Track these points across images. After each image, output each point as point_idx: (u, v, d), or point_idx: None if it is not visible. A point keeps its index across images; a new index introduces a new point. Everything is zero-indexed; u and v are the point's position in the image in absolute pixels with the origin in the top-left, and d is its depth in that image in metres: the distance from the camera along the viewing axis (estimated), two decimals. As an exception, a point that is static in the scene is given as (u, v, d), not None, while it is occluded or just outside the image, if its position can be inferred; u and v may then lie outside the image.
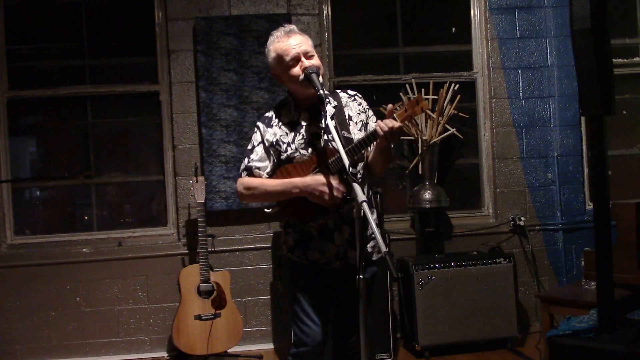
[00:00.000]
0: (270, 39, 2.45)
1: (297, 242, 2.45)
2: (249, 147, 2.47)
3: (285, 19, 4.38)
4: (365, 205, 1.98)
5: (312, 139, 2.38)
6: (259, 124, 2.48)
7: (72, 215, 4.66)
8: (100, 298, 4.35)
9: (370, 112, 2.55)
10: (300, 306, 2.49)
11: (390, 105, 2.25)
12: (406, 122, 4.31)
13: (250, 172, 2.43)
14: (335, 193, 2.24)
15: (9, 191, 4.44)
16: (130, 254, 4.38)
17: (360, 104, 2.51)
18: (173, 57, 4.43)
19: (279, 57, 2.40)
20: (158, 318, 4.38)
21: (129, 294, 4.37)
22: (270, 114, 2.50)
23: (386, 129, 2.20)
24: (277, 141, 2.41)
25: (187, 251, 4.36)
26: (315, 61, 2.37)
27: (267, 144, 2.42)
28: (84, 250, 4.37)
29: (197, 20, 4.35)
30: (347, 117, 2.42)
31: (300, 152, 2.37)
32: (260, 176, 2.42)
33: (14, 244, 4.41)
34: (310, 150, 2.37)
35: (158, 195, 4.61)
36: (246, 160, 2.46)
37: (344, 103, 2.47)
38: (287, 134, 2.40)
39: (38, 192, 4.64)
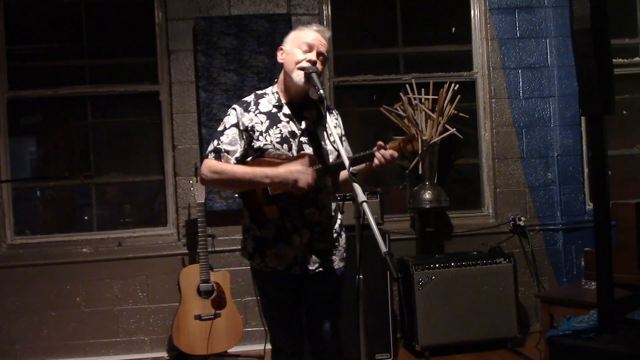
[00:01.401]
0: (301, 26, 2.44)
1: (255, 248, 2.42)
2: (220, 128, 2.38)
3: (285, 19, 4.38)
4: (365, 205, 1.97)
5: (289, 137, 2.34)
6: (236, 106, 2.40)
7: (72, 215, 4.66)
8: (100, 298, 4.35)
9: (343, 132, 2.52)
10: (271, 314, 2.47)
11: (379, 142, 2.23)
12: (406, 122, 4.31)
13: (218, 154, 2.33)
14: (306, 180, 2.18)
15: (9, 191, 4.45)
16: (130, 254, 4.38)
17: (337, 119, 2.50)
18: (173, 57, 4.43)
19: (296, 36, 2.38)
20: (158, 318, 4.38)
21: (129, 294, 4.37)
22: (249, 99, 2.44)
23: (383, 160, 2.20)
24: (251, 127, 2.34)
25: (187, 251, 4.36)
26: (321, 66, 2.35)
27: (241, 128, 2.34)
28: (84, 250, 4.37)
29: (197, 20, 4.35)
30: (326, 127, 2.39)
31: (275, 146, 2.31)
32: (228, 161, 2.33)
33: (14, 244, 4.41)
34: (285, 146, 2.32)
35: (158, 195, 4.61)
36: (215, 141, 2.35)
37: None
38: (262, 122, 2.35)
39: (38, 192, 4.64)
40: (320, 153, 2.34)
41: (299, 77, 2.31)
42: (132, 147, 4.71)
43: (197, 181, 4.06)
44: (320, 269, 2.41)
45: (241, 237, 2.34)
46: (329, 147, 2.37)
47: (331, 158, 2.37)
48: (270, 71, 4.33)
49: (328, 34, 2.41)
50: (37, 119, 4.70)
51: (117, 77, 4.56)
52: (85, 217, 4.61)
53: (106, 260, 4.35)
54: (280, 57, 2.42)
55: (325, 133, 2.36)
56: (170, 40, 4.43)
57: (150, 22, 4.51)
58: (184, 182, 4.40)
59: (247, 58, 4.35)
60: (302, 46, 2.34)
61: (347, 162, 2.11)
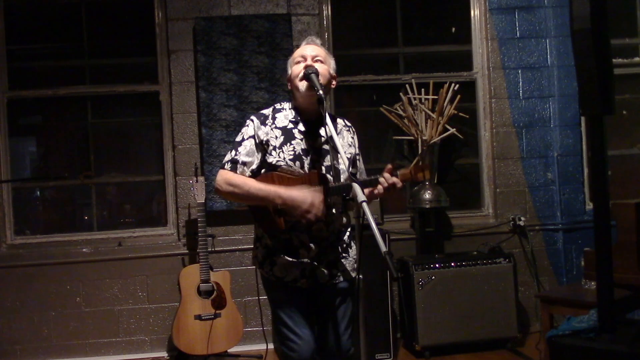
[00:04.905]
0: None
1: (265, 257, 2.41)
2: (238, 138, 2.39)
3: (285, 19, 4.38)
4: (365, 205, 1.97)
5: (302, 154, 2.33)
6: (254, 118, 2.42)
7: (72, 215, 4.66)
8: (100, 298, 4.35)
9: (359, 151, 2.52)
10: (281, 322, 2.44)
11: (389, 165, 2.23)
12: (406, 122, 4.31)
13: (234, 165, 2.34)
14: (316, 212, 2.17)
15: (9, 191, 4.44)
16: (130, 254, 4.38)
17: (353, 137, 2.49)
18: (173, 57, 4.43)
19: (291, 60, 2.43)
20: (158, 318, 4.38)
21: (129, 294, 4.37)
22: (267, 112, 2.44)
23: (386, 184, 2.21)
24: (267, 141, 2.34)
25: (187, 251, 4.36)
26: (320, 67, 2.34)
27: (257, 140, 2.36)
28: (84, 250, 4.37)
29: (197, 20, 4.35)
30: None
31: (287, 163, 2.31)
32: (243, 173, 2.33)
33: (14, 244, 4.41)
34: (297, 164, 2.31)
35: (158, 195, 4.61)
36: (233, 152, 2.36)
37: (338, 130, 2.43)
38: (276, 137, 2.35)
39: (38, 192, 4.64)
40: (331, 171, 2.32)
41: (303, 85, 2.31)
42: (132, 147, 4.71)
43: (197, 181, 4.07)
44: (330, 281, 2.39)
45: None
46: (341, 167, 2.34)
47: (343, 177, 2.34)
48: (271, 71, 4.33)
49: (318, 40, 2.47)
50: (37, 119, 4.70)
51: (117, 77, 4.57)
52: (85, 217, 4.61)
53: (106, 260, 4.35)
54: (289, 85, 2.45)
55: (338, 152, 2.26)
56: (170, 40, 4.43)
57: (150, 22, 4.51)
58: (184, 182, 4.40)
59: (247, 58, 4.35)
60: (297, 60, 2.39)
61: (346, 163, 2.11)
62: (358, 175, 2.47)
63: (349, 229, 2.48)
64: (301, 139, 2.35)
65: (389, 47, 4.80)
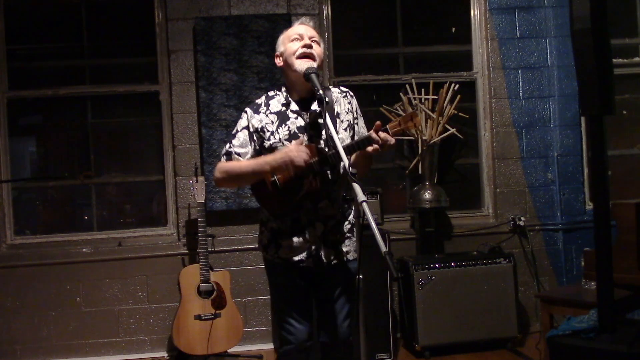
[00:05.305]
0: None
1: (270, 240, 2.45)
2: (233, 131, 2.47)
3: (285, 19, 4.38)
4: (365, 205, 1.97)
5: (297, 132, 2.37)
6: (247, 109, 2.48)
7: (72, 215, 4.66)
8: (100, 298, 4.35)
9: (359, 114, 2.52)
10: (280, 305, 2.51)
11: (378, 122, 2.21)
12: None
13: (229, 157, 2.42)
14: (302, 157, 2.20)
15: (9, 191, 4.44)
16: (130, 254, 4.38)
17: (350, 103, 2.49)
18: (173, 57, 4.43)
19: (285, 37, 2.46)
20: (158, 318, 4.38)
21: (129, 294, 4.37)
22: (260, 100, 2.49)
23: (381, 142, 2.18)
24: (262, 128, 2.40)
25: (187, 251, 4.36)
26: (317, 49, 2.38)
27: (251, 130, 2.41)
28: (84, 250, 4.37)
29: (197, 20, 4.35)
30: (335, 114, 2.41)
31: (283, 143, 2.36)
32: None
33: (14, 244, 4.41)
34: (293, 142, 2.34)
35: (158, 195, 4.61)
36: (227, 145, 2.45)
37: (334, 99, 2.45)
38: (272, 122, 2.40)
39: (38, 192, 4.64)
40: (329, 144, 2.33)
41: (300, 65, 2.33)
42: (132, 147, 4.71)
43: (197, 181, 4.07)
44: (335, 261, 2.41)
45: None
46: (340, 135, 2.36)
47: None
48: (271, 71, 4.33)
49: (311, 22, 2.50)
50: (37, 119, 4.70)
51: (117, 77, 4.57)
52: (85, 217, 4.61)
53: (106, 260, 4.35)
54: (279, 61, 2.48)
55: (336, 119, 2.39)
56: (170, 40, 4.43)
57: (150, 22, 4.51)
58: (184, 182, 4.40)
59: (247, 58, 4.35)
60: (293, 37, 2.41)
61: (346, 163, 2.11)
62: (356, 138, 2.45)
63: (353, 209, 2.48)
64: (295, 118, 2.39)
65: (389, 47, 4.80)
